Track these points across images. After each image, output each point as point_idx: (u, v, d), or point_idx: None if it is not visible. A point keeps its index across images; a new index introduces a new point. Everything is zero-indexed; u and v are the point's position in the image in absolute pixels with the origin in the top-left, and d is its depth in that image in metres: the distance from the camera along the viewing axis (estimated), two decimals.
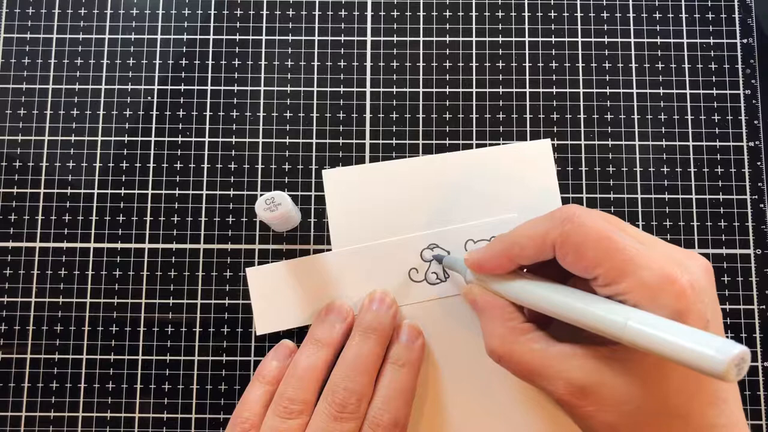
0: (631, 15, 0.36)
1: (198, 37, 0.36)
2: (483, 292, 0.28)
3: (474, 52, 0.36)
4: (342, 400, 0.28)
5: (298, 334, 0.33)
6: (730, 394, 0.23)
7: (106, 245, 0.34)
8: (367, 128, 0.35)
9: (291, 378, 0.29)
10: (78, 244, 0.34)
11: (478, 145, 0.35)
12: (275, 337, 0.33)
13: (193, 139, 0.35)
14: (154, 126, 0.35)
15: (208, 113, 0.35)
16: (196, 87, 0.35)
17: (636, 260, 0.23)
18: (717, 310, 0.24)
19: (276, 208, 0.30)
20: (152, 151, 0.35)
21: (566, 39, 0.36)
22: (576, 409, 0.23)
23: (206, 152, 0.35)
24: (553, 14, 0.36)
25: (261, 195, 0.30)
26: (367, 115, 0.35)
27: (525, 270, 0.28)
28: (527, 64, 0.36)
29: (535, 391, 0.32)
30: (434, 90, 0.35)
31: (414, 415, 0.31)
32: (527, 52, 0.36)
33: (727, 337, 0.33)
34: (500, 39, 0.36)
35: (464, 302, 0.31)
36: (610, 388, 0.23)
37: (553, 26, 0.36)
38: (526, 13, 0.36)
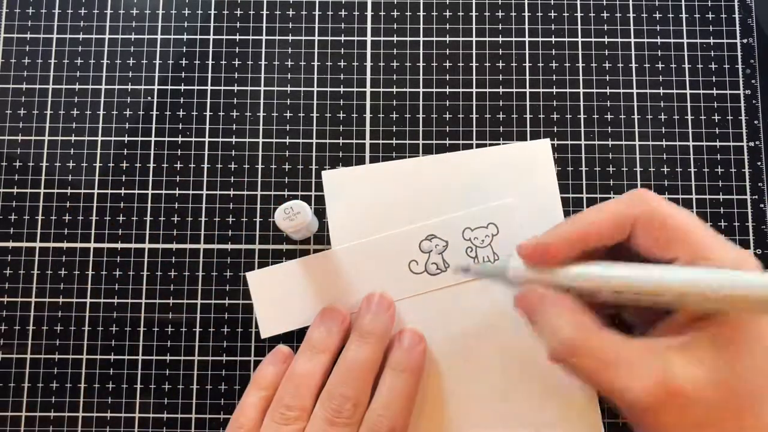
0: (631, 15, 0.36)
1: (198, 37, 0.36)
2: (544, 290, 0.25)
3: (474, 52, 0.36)
4: (338, 406, 0.28)
5: (298, 335, 0.33)
6: None
7: (106, 245, 0.34)
8: (367, 128, 0.35)
9: (288, 384, 0.29)
10: (78, 244, 0.34)
11: (478, 145, 0.35)
12: (276, 338, 0.33)
13: (193, 139, 0.35)
14: (154, 126, 0.35)
15: (208, 113, 0.35)
16: (196, 87, 0.35)
17: (714, 245, 0.24)
18: None
19: (295, 217, 0.30)
20: (152, 151, 0.35)
21: (566, 39, 0.36)
22: (660, 407, 0.22)
23: (206, 152, 0.35)
24: (553, 14, 0.36)
25: (280, 206, 0.30)
26: (367, 115, 0.35)
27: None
28: (527, 64, 0.36)
29: (543, 393, 0.32)
30: (434, 90, 0.35)
31: (414, 413, 0.31)
32: (527, 52, 0.36)
33: None
34: (500, 39, 0.36)
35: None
36: (700, 376, 0.22)
37: (553, 26, 0.36)
38: (526, 13, 0.36)
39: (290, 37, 0.36)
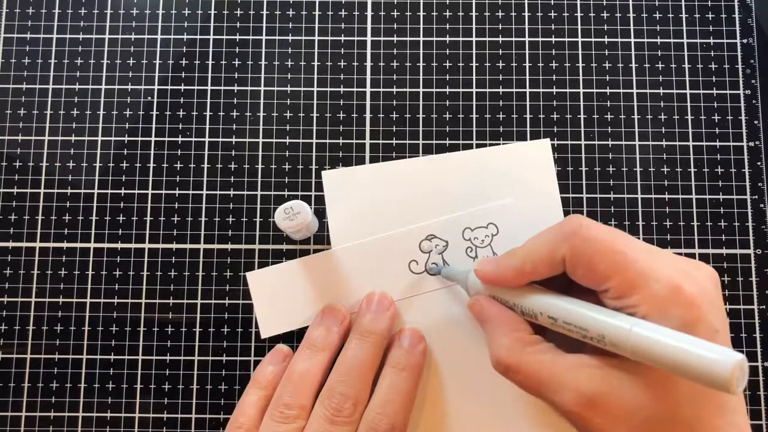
0: (631, 15, 0.36)
1: (198, 37, 0.36)
2: (490, 303, 0.28)
3: (474, 52, 0.36)
4: (338, 405, 0.28)
5: (298, 335, 0.33)
6: (738, 404, 0.23)
7: (106, 245, 0.34)
8: (367, 128, 0.35)
9: (287, 383, 0.29)
10: (78, 244, 0.34)
11: (478, 145, 0.35)
12: (276, 338, 0.33)
13: (193, 139, 0.35)
14: (154, 126, 0.35)
15: (208, 113, 0.35)
16: (196, 87, 0.35)
17: (645, 273, 0.23)
18: (725, 319, 0.23)
19: (295, 217, 0.30)
20: (152, 151, 0.35)
21: (566, 39, 0.36)
22: (585, 422, 0.23)
23: (206, 152, 0.35)
24: (553, 14, 0.36)
25: (280, 205, 0.30)
26: (367, 115, 0.35)
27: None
28: (527, 64, 0.36)
29: None
30: (434, 90, 0.35)
31: (413, 414, 0.31)
32: (527, 52, 0.36)
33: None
34: (500, 39, 0.36)
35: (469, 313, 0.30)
36: (619, 398, 0.22)
37: (553, 26, 0.36)
38: (526, 13, 0.36)
39: (290, 37, 0.36)
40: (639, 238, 0.34)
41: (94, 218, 0.34)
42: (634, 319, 0.22)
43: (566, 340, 0.25)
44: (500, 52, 0.36)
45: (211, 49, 0.36)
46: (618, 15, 0.36)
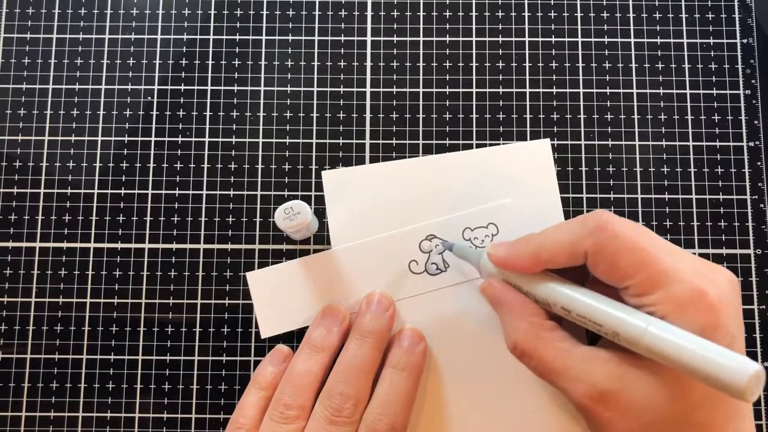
0: (631, 15, 0.36)
1: (198, 37, 0.36)
2: (504, 287, 0.28)
3: (474, 52, 0.36)
4: (338, 405, 0.28)
5: (298, 335, 0.33)
6: (748, 411, 0.23)
7: (106, 245, 0.34)
8: (367, 128, 0.35)
9: (287, 383, 0.29)
10: (78, 244, 0.34)
11: (478, 145, 0.35)
12: (276, 338, 0.33)
13: (193, 139, 0.35)
14: (154, 126, 0.35)
15: (208, 113, 0.35)
16: (196, 87, 0.35)
17: (668, 273, 0.23)
18: (741, 324, 0.24)
19: (295, 217, 0.30)
20: (152, 151, 0.35)
21: (566, 39, 0.36)
22: (595, 415, 0.23)
23: (206, 152, 0.35)
24: (553, 14, 0.36)
25: (280, 205, 0.30)
26: (367, 115, 0.35)
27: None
28: (527, 64, 0.36)
29: (542, 391, 0.32)
30: (434, 90, 0.35)
31: (413, 414, 0.31)
32: (527, 52, 0.36)
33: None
34: (500, 39, 0.36)
35: (480, 295, 0.30)
36: (632, 395, 0.22)
37: (553, 26, 0.36)
38: (526, 13, 0.36)
39: (290, 37, 0.36)
40: None
41: (94, 218, 0.34)
42: (651, 318, 0.22)
43: (581, 327, 0.25)
44: (500, 52, 0.36)
45: (211, 49, 0.36)
46: (618, 15, 0.36)
